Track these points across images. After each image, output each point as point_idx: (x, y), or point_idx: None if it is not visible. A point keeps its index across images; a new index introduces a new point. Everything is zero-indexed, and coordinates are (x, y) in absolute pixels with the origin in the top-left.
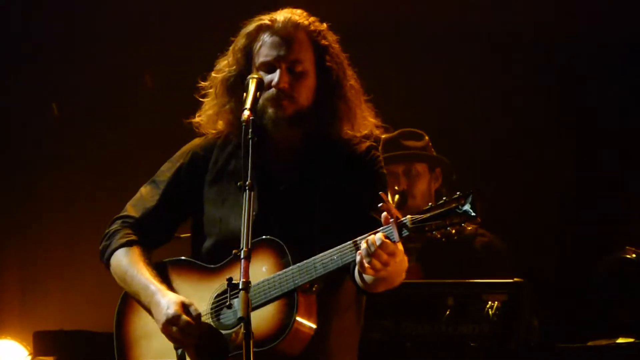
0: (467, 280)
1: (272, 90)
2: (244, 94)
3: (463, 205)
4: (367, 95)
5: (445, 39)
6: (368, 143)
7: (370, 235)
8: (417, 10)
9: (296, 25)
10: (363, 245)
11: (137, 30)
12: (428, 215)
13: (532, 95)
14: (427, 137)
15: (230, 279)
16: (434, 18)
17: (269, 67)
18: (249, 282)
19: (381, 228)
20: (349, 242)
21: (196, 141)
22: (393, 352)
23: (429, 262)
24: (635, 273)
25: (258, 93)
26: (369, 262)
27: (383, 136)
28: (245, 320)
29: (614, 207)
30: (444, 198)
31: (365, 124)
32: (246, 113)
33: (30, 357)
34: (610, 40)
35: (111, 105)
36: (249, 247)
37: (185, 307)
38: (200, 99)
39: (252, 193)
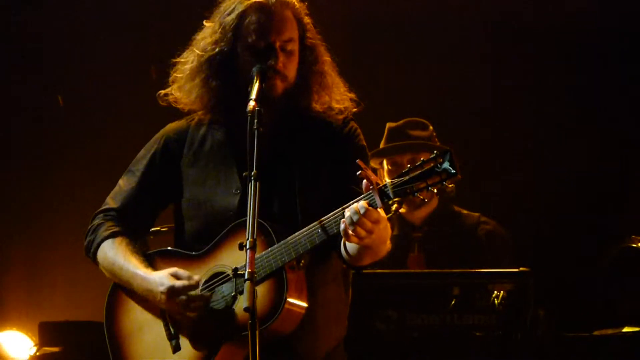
0: (472, 270)
1: (259, 66)
2: (249, 86)
3: (442, 163)
4: (339, 70)
5: (447, 30)
6: (344, 115)
7: (352, 203)
8: (419, 2)
9: (285, 4)
10: (347, 213)
11: (143, 23)
12: (408, 177)
13: (535, 87)
14: (431, 127)
15: (236, 269)
16: (437, 9)
17: (260, 47)
18: (254, 272)
19: (362, 195)
20: (331, 214)
21: (169, 126)
22: (399, 343)
23: (432, 252)
24: None
25: (263, 84)
26: (353, 231)
27: (388, 124)
28: (252, 310)
29: (620, 196)
30: (422, 159)
31: (342, 97)
32: (252, 104)
33: (35, 348)
34: (614, 33)
35: (116, 99)
36: (255, 237)
37: (175, 274)
38: (175, 74)
39: (257, 183)
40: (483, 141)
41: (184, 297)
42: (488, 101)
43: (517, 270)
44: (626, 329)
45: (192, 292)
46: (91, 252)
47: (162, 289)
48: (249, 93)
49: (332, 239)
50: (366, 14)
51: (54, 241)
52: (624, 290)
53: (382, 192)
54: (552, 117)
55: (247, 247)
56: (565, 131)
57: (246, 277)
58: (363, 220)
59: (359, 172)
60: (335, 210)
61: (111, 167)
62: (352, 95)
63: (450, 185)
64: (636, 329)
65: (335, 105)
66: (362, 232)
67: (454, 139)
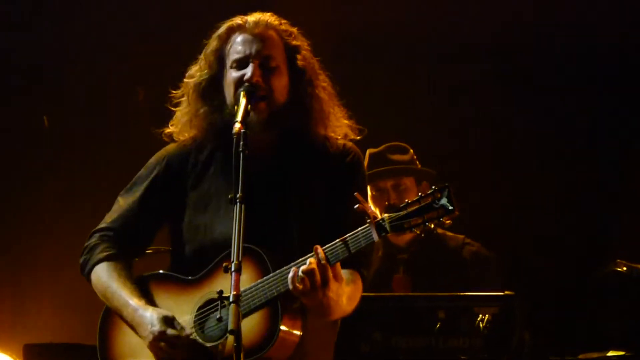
0: (458, 294)
1: (246, 85)
2: (231, 101)
3: (440, 199)
4: (340, 100)
5: (424, 49)
6: (345, 142)
7: (351, 236)
8: (400, 19)
9: (267, 25)
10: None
11: (130, 43)
12: (405, 212)
13: (516, 110)
14: (411, 151)
15: (221, 292)
16: (416, 26)
17: (241, 65)
18: (240, 295)
19: (360, 228)
20: (328, 245)
21: (170, 147)
22: None
23: (417, 274)
24: (626, 286)
25: (249, 106)
26: (300, 280)
27: (368, 151)
28: (236, 332)
29: (605, 220)
30: (420, 194)
31: (340, 125)
32: (237, 126)
33: None
34: (591, 46)
35: (102, 120)
36: (240, 259)
37: (169, 321)
38: (173, 109)
39: (242, 206)
40: (464, 163)
41: (170, 344)
42: (469, 123)
43: (502, 293)
44: (611, 353)
45: (180, 338)
46: (85, 272)
47: (152, 329)
48: (234, 115)
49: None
50: (344, 34)
51: (40, 261)
52: (609, 314)
53: (380, 225)
54: (533, 140)
55: (232, 269)
56: (548, 154)
57: (231, 300)
58: (315, 273)
59: (357, 205)
60: (333, 242)
61: (96, 188)
62: (351, 123)
63: (448, 222)
64: (621, 352)
65: (332, 132)
66: (308, 284)
67: (435, 162)
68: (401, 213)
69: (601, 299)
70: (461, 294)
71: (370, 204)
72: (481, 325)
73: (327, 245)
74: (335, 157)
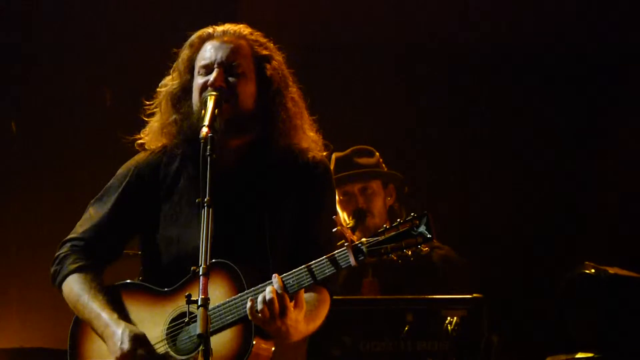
0: (425, 296)
1: (209, 90)
2: (202, 111)
3: (418, 226)
4: (312, 115)
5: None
6: (315, 154)
7: (329, 257)
8: (379, 31)
9: (235, 34)
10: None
11: (100, 46)
12: (383, 237)
13: (488, 110)
14: (377, 154)
15: (189, 296)
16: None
17: (207, 71)
18: (208, 299)
19: (336, 251)
20: (304, 267)
21: (140, 157)
22: None
23: (386, 277)
24: (595, 288)
25: (216, 110)
26: (260, 310)
27: (334, 155)
28: (205, 337)
29: (572, 222)
30: (399, 220)
31: (306, 138)
32: (204, 130)
33: None
34: (569, 60)
35: (70, 124)
36: (207, 264)
37: (138, 340)
38: (146, 119)
39: (210, 210)
40: (434, 167)
41: None
42: (443, 127)
43: (470, 296)
44: (579, 355)
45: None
46: (56, 283)
47: (121, 346)
48: (202, 119)
49: (306, 289)
50: (325, 45)
51: (8, 268)
52: (577, 316)
53: (357, 249)
54: (504, 142)
55: (201, 273)
56: (519, 156)
57: (199, 304)
58: (273, 303)
59: (335, 229)
60: (316, 260)
61: (65, 193)
62: (319, 138)
63: (425, 249)
64: (589, 354)
65: (301, 144)
66: (267, 314)
67: (406, 165)
68: (379, 238)
69: (569, 300)
70: (429, 296)
71: (338, 209)
72: (449, 328)
73: (289, 273)
74: (304, 170)
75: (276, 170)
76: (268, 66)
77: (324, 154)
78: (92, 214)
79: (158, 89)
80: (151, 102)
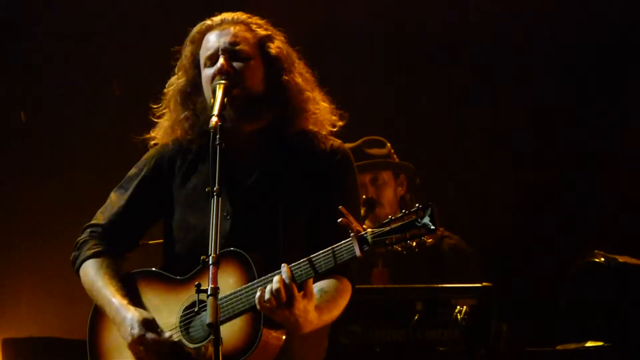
0: (435, 285)
1: (217, 78)
2: (211, 100)
3: (422, 217)
4: (323, 88)
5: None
6: (333, 142)
7: (336, 247)
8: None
9: (234, 19)
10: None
11: (106, 37)
12: (388, 228)
13: (494, 103)
14: (389, 144)
15: (199, 285)
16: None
17: (213, 61)
18: (218, 288)
19: (342, 242)
20: (319, 253)
21: (160, 147)
22: (362, 358)
23: (396, 267)
24: (604, 277)
25: (225, 99)
26: (267, 300)
27: (346, 145)
28: (215, 326)
29: (583, 210)
30: (404, 211)
31: (322, 112)
32: (214, 119)
33: None
34: (568, 43)
35: (80, 113)
36: (217, 253)
37: (149, 325)
38: (155, 120)
39: (219, 199)
40: (442, 155)
41: (148, 348)
42: (446, 116)
43: (480, 285)
44: (589, 344)
45: (159, 343)
46: (75, 268)
47: (131, 332)
48: (211, 109)
49: (315, 279)
50: (329, 32)
51: (19, 257)
52: (587, 305)
53: (362, 239)
54: (511, 132)
55: (210, 262)
56: (526, 145)
57: (209, 293)
58: (280, 292)
59: (340, 219)
60: (323, 250)
61: (76, 183)
62: (334, 109)
63: (429, 240)
64: (599, 343)
65: (313, 127)
66: (274, 303)
67: (413, 155)
68: (384, 228)
69: (579, 289)
70: (439, 285)
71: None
72: (459, 317)
73: (297, 263)
74: (322, 157)
75: (293, 157)
76: (271, 45)
77: (341, 123)
78: (113, 201)
79: (165, 90)
80: (159, 105)
